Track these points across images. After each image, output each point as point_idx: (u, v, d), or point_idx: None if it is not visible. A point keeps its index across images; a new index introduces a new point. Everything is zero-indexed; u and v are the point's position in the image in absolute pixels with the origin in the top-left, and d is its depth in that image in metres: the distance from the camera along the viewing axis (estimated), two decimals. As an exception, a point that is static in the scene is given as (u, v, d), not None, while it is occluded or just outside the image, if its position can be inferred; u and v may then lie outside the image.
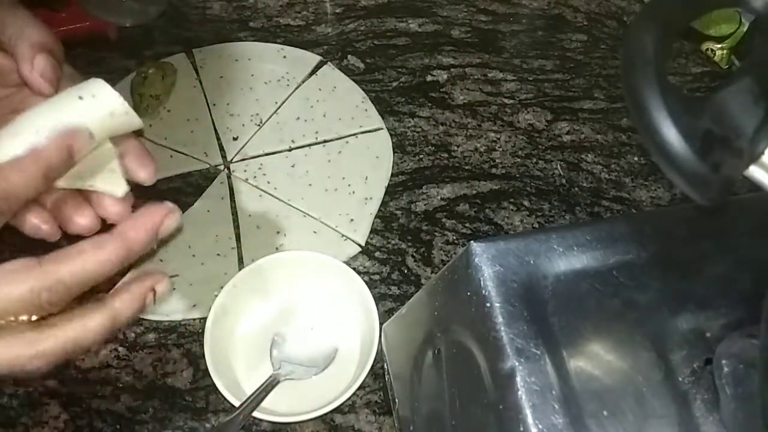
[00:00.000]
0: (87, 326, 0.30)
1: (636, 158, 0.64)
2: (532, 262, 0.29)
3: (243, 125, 0.65)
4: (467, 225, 0.58)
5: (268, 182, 0.61)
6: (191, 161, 0.62)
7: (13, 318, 0.29)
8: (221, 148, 0.63)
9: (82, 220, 0.34)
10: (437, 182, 0.61)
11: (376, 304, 0.48)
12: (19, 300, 0.29)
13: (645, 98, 0.20)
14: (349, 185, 0.60)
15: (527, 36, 0.75)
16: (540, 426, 0.24)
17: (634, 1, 0.79)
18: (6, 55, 0.35)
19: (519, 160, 0.63)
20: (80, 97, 0.31)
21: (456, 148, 0.64)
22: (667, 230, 0.31)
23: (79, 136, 0.31)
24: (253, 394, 0.44)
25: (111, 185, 0.34)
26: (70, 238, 0.32)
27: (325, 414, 0.45)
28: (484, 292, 0.28)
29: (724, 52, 0.72)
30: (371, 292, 0.49)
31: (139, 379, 0.49)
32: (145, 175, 0.37)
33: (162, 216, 0.33)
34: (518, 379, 0.25)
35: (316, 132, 0.64)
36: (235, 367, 0.48)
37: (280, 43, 0.72)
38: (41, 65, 0.34)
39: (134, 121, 0.34)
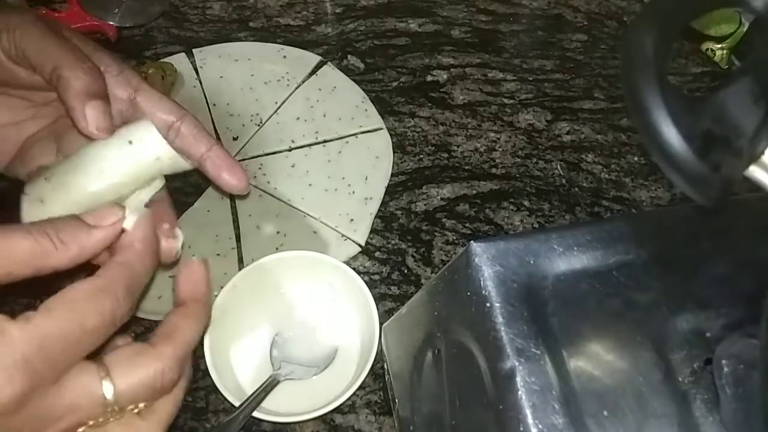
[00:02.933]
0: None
1: (636, 158, 0.64)
2: (532, 262, 0.29)
3: (243, 125, 0.65)
4: (467, 225, 0.58)
5: (268, 182, 0.61)
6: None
7: (136, 406, 0.30)
8: (221, 148, 0.63)
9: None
10: (437, 182, 0.61)
11: (376, 304, 0.48)
12: (146, 385, 0.29)
13: (645, 98, 0.20)
14: (349, 185, 0.60)
15: (527, 36, 0.75)
16: (540, 426, 0.24)
17: (634, 1, 0.79)
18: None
19: (519, 160, 0.63)
20: (130, 142, 0.34)
21: (456, 148, 0.64)
22: (667, 230, 0.31)
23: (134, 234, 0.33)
24: (253, 394, 0.45)
25: None
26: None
27: (325, 414, 0.45)
28: (484, 292, 0.28)
29: (724, 52, 0.72)
30: (371, 292, 0.49)
31: (139, 379, 0.49)
32: (236, 183, 0.40)
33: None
34: (518, 379, 0.25)
35: (316, 132, 0.64)
36: (235, 367, 0.48)
37: (280, 43, 0.72)
38: (94, 118, 0.35)
39: (180, 163, 0.35)
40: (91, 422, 0.28)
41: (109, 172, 0.34)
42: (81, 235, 0.30)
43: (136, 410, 0.30)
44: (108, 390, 0.28)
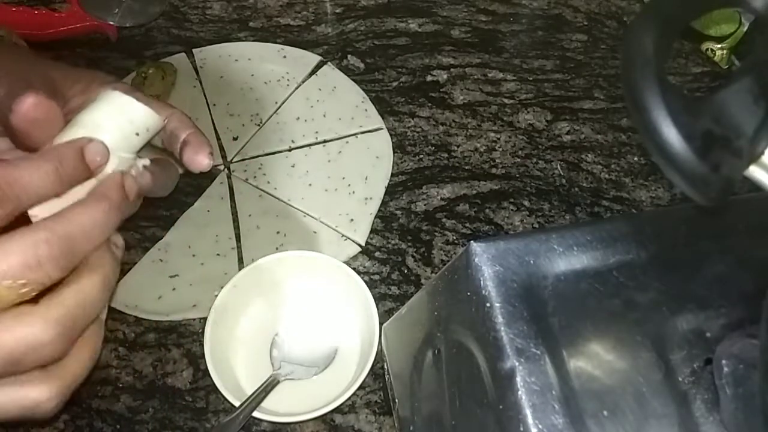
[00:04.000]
0: (85, 286, 0.29)
1: (636, 158, 0.64)
2: (532, 262, 0.29)
3: (243, 125, 0.65)
4: (467, 225, 0.58)
5: (268, 182, 0.61)
6: (191, 161, 0.62)
7: (10, 282, 0.27)
8: (221, 148, 0.63)
9: None
10: (437, 182, 0.61)
11: (376, 304, 0.48)
12: (18, 257, 0.27)
13: (645, 98, 0.20)
14: (349, 185, 0.60)
15: (527, 36, 0.75)
16: (540, 426, 0.24)
17: (634, 1, 0.79)
18: None
19: (519, 160, 0.63)
20: (123, 104, 0.33)
21: (456, 148, 0.64)
22: (667, 230, 0.31)
23: (91, 144, 0.32)
24: (253, 394, 0.45)
25: None
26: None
27: (325, 414, 0.45)
28: (484, 292, 0.28)
29: (724, 52, 0.72)
30: (371, 292, 0.49)
31: (139, 379, 0.49)
32: (202, 160, 0.39)
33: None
34: (518, 379, 0.25)
35: (316, 132, 0.64)
36: (235, 367, 0.48)
37: (280, 43, 0.72)
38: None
39: (153, 119, 0.35)
40: None
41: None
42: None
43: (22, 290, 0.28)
44: None
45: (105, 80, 0.38)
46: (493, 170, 0.62)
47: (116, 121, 0.33)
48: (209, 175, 0.61)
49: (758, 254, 0.29)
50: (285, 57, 0.70)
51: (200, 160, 0.39)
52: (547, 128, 0.66)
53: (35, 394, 0.28)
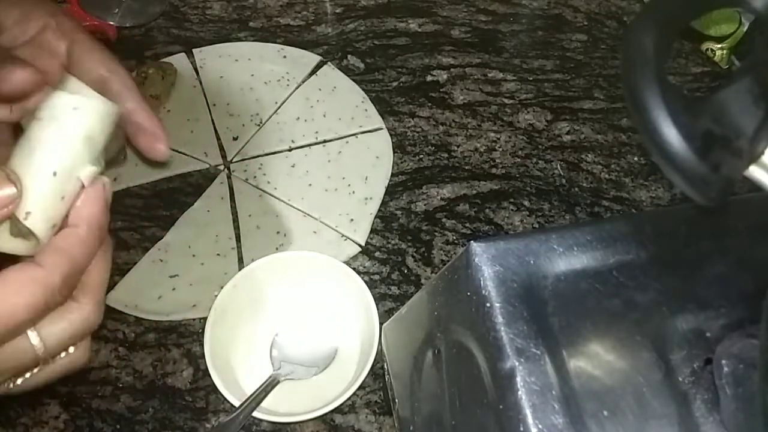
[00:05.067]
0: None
1: (636, 158, 0.64)
2: (532, 262, 0.29)
3: (243, 125, 0.65)
4: (467, 225, 0.58)
5: (268, 182, 0.61)
6: (191, 161, 0.62)
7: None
8: (221, 148, 0.63)
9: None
10: (437, 182, 0.61)
11: (376, 304, 0.48)
12: (72, 335, 0.31)
13: (645, 98, 0.20)
14: (349, 185, 0.60)
15: (527, 36, 0.75)
16: (540, 426, 0.24)
17: (634, 1, 0.79)
18: None
19: (519, 160, 0.63)
20: (75, 108, 0.31)
21: (456, 148, 0.64)
22: (667, 230, 0.31)
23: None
24: (253, 394, 0.45)
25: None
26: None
27: (325, 414, 0.45)
28: (484, 292, 0.28)
29: (724, 52, 0.72)
30: (371, 292, 0.49)
31: (139, 379, 0.49)
32: (156, 147, 0.38)
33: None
34: (518, 379, 0.25)
35: (316, 132, 0.64)
36: (235, 367, 0.48)
37: (280, 43, 0.72)
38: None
39: (106, 107, 0.32)
40: (27, 374, 0.31)
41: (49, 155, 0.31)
42: None
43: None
44: (38, 347, 0.30)
45: (46, 10, 0.36)
46: (493, 170, 0.62)
47: (73, 141, 0.31)
48: (209, 175, 0.61)
49: (758, 254, 0.29)
50: (285, 57, 0.70)
51: (159, 149, 0.38)
52: (547, 128, 0.66)
53: (79, 314, 0.31)
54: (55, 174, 0.30)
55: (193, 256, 0.55)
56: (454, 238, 0.58)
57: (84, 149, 0.31)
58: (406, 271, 0.55)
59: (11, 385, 0.31)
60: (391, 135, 0.64)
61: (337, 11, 0.76)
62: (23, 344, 0.30)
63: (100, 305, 0.32)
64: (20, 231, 0.30)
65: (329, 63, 0.70)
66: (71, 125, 0.30)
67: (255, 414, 0.44)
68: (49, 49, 0.36)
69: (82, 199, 0.31)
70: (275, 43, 0.72)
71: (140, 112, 0.38)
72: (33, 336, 0.30)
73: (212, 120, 0.65)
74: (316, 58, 0.70)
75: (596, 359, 0.27)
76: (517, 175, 0.62)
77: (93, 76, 0.36)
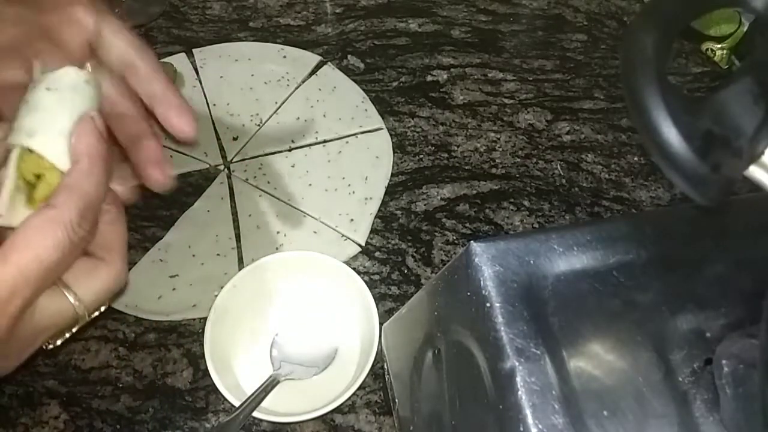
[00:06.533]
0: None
1: (636, 158, 0.64)
2: (532, 262, 0.29)
3: (243, 125, 0.65)
4: (467, 225, 0.58)
5: (268, 182, 0.61)
6: (191, 161, 0.62)
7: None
8: (221, 148, 0.63)
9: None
10: (437, 182, 0.61)
11: (376, 304, 0.48)
12: (106, 292, 0.33)
13: (645, 98, 0.20)
14: (349, 185, 0.60)
15: (527, 36, 0.75)
16: (540, 426, 0.24)
17: (634, 1, 0.79)
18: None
19: (519, 160, 0.63)
20: (48, 89, 0.32)
21: (456, 148, 0.64)
22: (667, 230, 0.31)
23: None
24: (253, 394, 0.44)
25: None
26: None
27: (325, 414, 0.45)
28: (484, 292, 0.28)
29: (724, 52, 0.72)
30: (371, 292, 0.49)
31: (139, 379, 0.49)
32: (184, 128, 0.38)
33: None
34: (518, 379, 0.25)
35: (316, 132, 0.64)
36: (235, 367, 0.48)
37: (280, 43, 0.72)
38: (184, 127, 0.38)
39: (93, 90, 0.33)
40: (67, 334, 0.34)
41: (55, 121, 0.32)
42: None
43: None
44: (77, 306, 0.32)
45: None
46: (493, 170, 0.62)
47: (68, 101, 0.32)
48: (209, 175, 0.61)
49: (758, 254, 0.29)
50: (285, 57, 0.70)
51: (187, 126, 0.38)
52: (547, 128, 0.66)
53: (108, 271, 0.33)
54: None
55: (193, 256, 0.55)
56: (454, 238, 0.58)
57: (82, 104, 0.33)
58: (406, 271, 0.55)
59: (50, 345, 0.33)
60: (391, 135, 0.64)
61: (337, 11, 0.76)
62: (64, 304, 0.31)
63: (126, 261, 0.34)
64: (50, 184, 0.31)
65: (329, 63, 0.70)
66: (90, 96, 0.33)
67: (255, 414, 0.44)
68: (78, 24, 0.36)
69: (76, 135, 0.32)
70: (275, 43, 0.72)
71: (168, 94, 0.38)
72: (70, 296, 0.31)
73: (212, 120, 0.65)
74: (316, 58, 0.70)
75: (596, 359, 0.27)
76: (517, 175, 0.62)
77: (121, 57, 0.36)
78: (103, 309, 0.35)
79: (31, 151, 0.31)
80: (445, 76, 0.70)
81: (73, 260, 0.31)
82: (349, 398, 0.45)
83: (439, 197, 0.60)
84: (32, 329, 0.30)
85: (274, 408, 0.46)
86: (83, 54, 0.36)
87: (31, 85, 0.32)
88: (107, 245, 0.33)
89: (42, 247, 0.29)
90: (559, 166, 0.63)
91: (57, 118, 0.32)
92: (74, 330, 0.34)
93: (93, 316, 0.34)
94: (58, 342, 0.34)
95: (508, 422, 0.25)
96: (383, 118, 0.66)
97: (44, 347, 0.33)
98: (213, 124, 0.65)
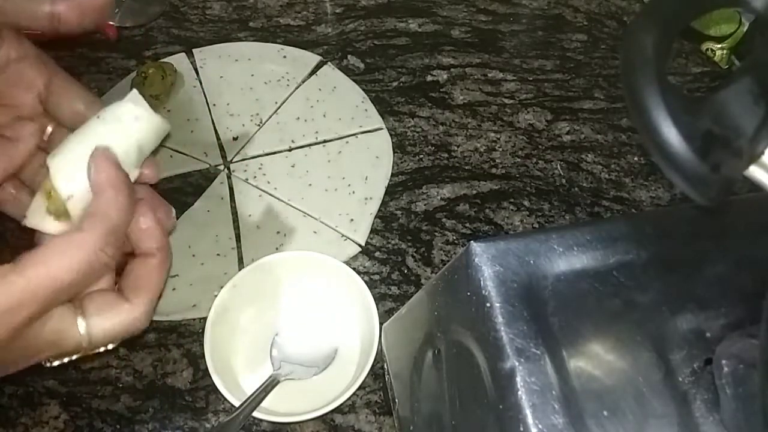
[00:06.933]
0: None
1: (636, 158, 0.64)
2: (532, 262, 0.29)
3: (243, 125, 0.65)
4: (467, 225, 0.58)
5: (268, 182, 0.61)
6: (191, 161, 0.62)
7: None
8: (221, 148, 0.63)
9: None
10: (437, 182, 0.61)
11: (376, 304, 0.48)
12: (118, 333, 0.32)
13: (645, 98, 0.20)
14: (349, 185, 0.60)
15: (527, 36, 0.75)
16: (540, 426, 0.24)
17: (634, 1, 0.79)
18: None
19: (519, 160, 0.63)
20: (137, 118, 0.34)
21: (456, 148, 0.64)
22: (667, 230, 0.31)
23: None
24: (253, 394, 0.44)
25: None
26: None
27: (325, 414, 0.45)
28: (484, 292, 0.28)
29: (724, 52, 0.72)
30: (371, 292, 0.49)
31: (139, 379, 0.49)
32: (149, 173, 0.38)
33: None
34: (518, 379, 0.25)
35: (316, 132, 0.64)
36: (235, 367, 0.48)
37: (280, 43, 0.72)
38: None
39: (162, 124, 0.35)
40: (66, 359, 0.33)
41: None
42: (5, 149, 0.32)
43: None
44: (84, 336, 0.32)
45: (23, 41, 0.36)
46: (493, 170, 0.62)
47: (128, 145, 0.34)
48: (209, 175, 0.61)
49: (758, 254, 0.29)
50: (285, 57, 0.70)
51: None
52: (547, 128, 0.66)
53: (129, 314, 0.33)
54: None
55: (193, 256, 0.55)
56: (454, 238, 0.58)
57: (133, 154, 0.34)
58: (406, 271, 0.55)
59: (48, 364, 0.33)
60: (391, 135, 0.64)
61: (337, 11, 0.76)
62: (71, 331, 0.31)
63: (151, 310, 0.34)
64: (57, 209, 0.32)
65: (329, 63, 0.70)
66: (130, 131, 0.34)
67: (255, 414, 0.44)
68: (28, 82, 0.36)
69: (94, 169, 0.32)
70: (275, 43, 0.72)
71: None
72: (81, 325, 0.31)
73: (212, 120, 0.65)
74: (316, 58, 0.70)
75: (596, 359, 0.27)
76: (517, 175, 0.62)
77: (72, 112, 0.37)
78: (111, 347, 0.34)
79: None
80: (445, 76, 0.70)
81: (89, 283, 0.32)
82: (349, 398, 0.45)
83: (439, 197, 0.60)
84: (35, 341, 0.30)
85: (274, 408, 0.46)
86: (35, 111, 0.37)
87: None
88: (138, 288, 0.33)
89: (58, 266, 0.29)
90: (559, 166, 0.63)
91: (84, 144, 0.33)
92: (74, 357, 0.33)
93: (99, 350, 0.34)
94: (56, 363, 0.33)
95: (508, 422, 0.25)
96: (383, 118, 0.66)
97: (43, 363, 0.33)
98: (213, 124, 0.65)
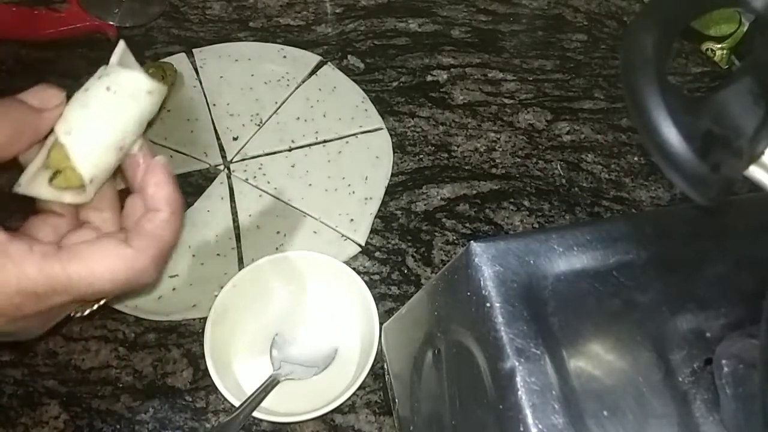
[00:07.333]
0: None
1: (636, 158, 0.64)
2: (532, 262, 0.29)
3: (243, 125, 0.65)
4: (467, 225, 0.58)
5: (268, 182, 0.61)
6: (191, 161, 0.62)
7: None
8: (221, 148, 0.63)
9: None
10: (437, 182, 0.61)
11: (376, 304, 0.48)
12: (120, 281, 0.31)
13: (645, 98, 0.20)
14: (349, 185, 0.60)
15: (527, 36, 0.75)
16: (540, 426, 0.24)
17: (634, 1, 0.79)
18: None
19: (519, 160, 0.63)
20: (108, 89, 0.32)
21: (456, 148, 0.64)
22: (667, 230, 0.31)
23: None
24: (253, 394, 0.44)
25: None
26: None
27: (325, 414, 0.45)
28: (484, 292, 0.28)
29: (724, 52, 0.72)
30: (371, 292, 0.49)
31: (139, 379, 0.49)
32: None
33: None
34: (518, 379, 0.25)
35: (316, 132, 0.64)
36: (235, 367, 0.48)
37: (280, 43, 0.72)
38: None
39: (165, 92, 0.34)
40: (87, 311, 0.34)
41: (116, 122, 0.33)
42: (32, 120, 0.31)
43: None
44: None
45: None
46: (493, 170, 0.62)
47: (140, 120, 0.33)
48: (209, 176, 0.61)
49: (758, 254, 0.29)
50: (285, 57, 0.70)
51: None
52: (547, 128, 0.66)
53: (136, 261, 0.32)
54: (121, 148, 0.32)
55: (193, 256, 0.55)
56: (454, 238, 0.58)
57: (141, 128, 0.33)
58: (406, 271, 0.55)
59: (75, 315, 0.34)
60: (391, 135, 0.64)
61: (337, 11, 0.76)
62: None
63: (160, 263, 0.33)
64: (69, 184, 0.31)
65: (329, 63, 0.70)
66: (143, 105, 0.33)
67: (255, 414, 0.44)
68: None
69: (155, 183, 0.32)
70: (275, 43, 0.72)
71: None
72: None
73: (212, 120, 0.65)
74: (316, 58, 0.70)
75: (596, 359, 0.27)
76: (517, 175, 0.62)
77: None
78: (102, 303, 0.34)
79: (63, 146, 0.31)
80: (445, 76, 0.70)
81: (121, 292, 0.32)
82: (349, 398, 0.45)
83: (439, 197, 0.60)
84: (61, 309, 0.31)
85: (274, 408, 0.46)
86: None
87: (97, 75, 0.33)
88: (144, 236, 0.32)
89: (100, 275, 0.30)
90: (559, 166, 0.63)
91: (101, 125, 0.32)
92: (96, 307, 0.34)
93: (100, 303, 0.34)
94: (87, 312, 0.34)
95: (508, 422, 0.25)
96: (383, 118, 0.66)
97: (71, 315, 0.33)
98: (213, 124, 0.65)
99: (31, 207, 0.34)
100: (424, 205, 0.60)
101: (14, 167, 0.32)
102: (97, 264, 0.30)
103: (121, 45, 0.34)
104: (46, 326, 0.32)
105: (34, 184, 0.32)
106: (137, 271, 0.31)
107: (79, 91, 0.32)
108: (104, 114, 0.32)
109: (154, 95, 0.33)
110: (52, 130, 0.32)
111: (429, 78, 0.70)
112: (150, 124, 0.35)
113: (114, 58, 0.33)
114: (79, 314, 0.34)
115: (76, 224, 0.34)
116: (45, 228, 0.33)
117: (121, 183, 0.36)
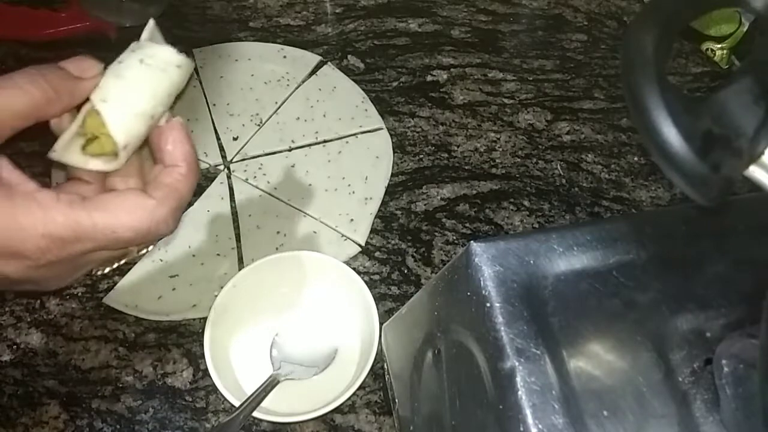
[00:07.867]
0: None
1: (636, 158, 0.64)
2: (532, 262, 0.29)
3: (243, 125, 0.65)
4: (467, 225, 0.58)
5: (268, 182, 0.61)
6: (191, 161, 0.62)
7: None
8: (221, 148, 0.63)
9: None
10: (437, 182, 0.61)
11: (376, 304, 0.48)
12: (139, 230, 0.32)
13: (645, 98, 0.20)
14: (349, 185, 0.60)
15: (527, 36, 0.75)
16: (540, 426, 0.24)
17: (634, 1, 0.79)
18: None
19: (519, 160, 0.63)
20: (141, 61, 0.34)
21: (456, 148, 0.64)
22: (667, 230, 0.31)
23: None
24: (253, 394, 0.44)
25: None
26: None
27: (325, 414, 0.45)
28: (484, 292, 0.28)
29: (724, 52, 0.72)
30: (371, 292, 0.49)
31: (139, 379, 0.49)
32: None
33: None
34: (518, 379, 0.25)
35: (316, 132, 0.64)
36: (235, 367, 0.48)
37: (280, 43, 0.72)
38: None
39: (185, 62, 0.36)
40: (108, 269, 0.35)
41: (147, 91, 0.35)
42: (69, 84, 0.33)
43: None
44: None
45: None
46: (493, 170, 0.62)
47: (170, 93, 0.34)
48: (209, 176, 0.61)
49: (758, 254, 0.29)
50: (285, 57, 0.70)
51: None
52: (547, 128, 0.66)
53: (156, 211, 0.33)
54: (152, 117, 0.34)
55: (193, 256, 0.55)
56: (454, 238, 0.58)
57: (170, 100, 0.35)
58: (406, 271, 0.55)
59: (99, 272, 0.36)
60: (391, 135, 0.64)
61: (337, 11, 0.76)
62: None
63: (177, 215, 0.34)
64: (103, 151, 0.33)
65: (329, 63, 0.70)
66: (175, 80, 0.34)
67: (255, 414, 0.44)
68: None
69: (172, 141, 0.34)
70: (275, 43, 0.72)
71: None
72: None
73: (212, 120, 0.65)
74: (316, 58, 0.70)
75: (596, 359, 0.27)
76: (517, 175, 0.62)
77: None
78: (144, 251, 0.35)
79: (98, 113, 0.33)
80: (445, 76, 0.70)
81: (143, 245, 0.34)
82: (349, 398, 0.45)
83: (439, 197, 0.60)
84: (84, 261, 0.32)
85: (274, 408, 0.46)
86: None
87: (130, 49, 0.35)
88: (163, 188, 0.33)
89: (122, 222, 0.30)
90: (559, 166, 0.63)
91: (135, 94, 0.33)
92: (116, 265, 0.35)
93: (136, 252, 0.35)
94: (107, 270, 0.36)
95: (508, 422, 0.25)
96: (383, 118, 0.66)
97: (93, 272, 0.34)
98: (213, 124, 0.65)
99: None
100: (424, 205, 0.60)
101: (48, 135, 0.33)
102: (121, 212, 0.31)
103: (151, 23, 0.35)
104: (68, 279, 0.33)
105: (68, 150, 0.33)
106: (157, 221, 0.32)
107: (113, 63, 0.34)
108: (137, 84, 0.34)
109: (183, 69, 0.35)
110: (87, 99, 0.33)
111: (429, 78, 0.70)
112: (178, 97, 0.36)
113: (145, 34, 0.35)
114: (99, 272, 0.35)
115: (102, 191, 0.35)
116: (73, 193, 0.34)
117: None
